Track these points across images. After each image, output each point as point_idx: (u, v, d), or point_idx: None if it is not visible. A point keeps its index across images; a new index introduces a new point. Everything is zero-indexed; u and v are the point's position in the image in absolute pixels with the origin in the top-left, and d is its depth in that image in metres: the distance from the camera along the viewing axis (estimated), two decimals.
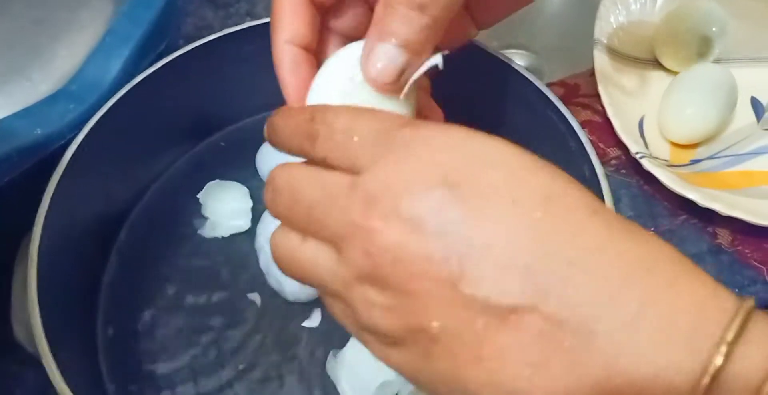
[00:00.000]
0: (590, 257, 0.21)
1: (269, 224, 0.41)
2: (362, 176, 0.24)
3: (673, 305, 0.21)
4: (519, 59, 0.40)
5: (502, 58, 0.39)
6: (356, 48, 0.28)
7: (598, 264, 0.21)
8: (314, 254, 0.25)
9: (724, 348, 0.20)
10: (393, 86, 0.27)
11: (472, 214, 0.22)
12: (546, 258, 0.21)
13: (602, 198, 0.35)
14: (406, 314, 0.23)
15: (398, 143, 0.24)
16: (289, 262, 0.26)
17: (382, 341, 0.24)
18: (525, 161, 0.23)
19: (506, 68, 0.39)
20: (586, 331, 0.21)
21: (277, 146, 0.28)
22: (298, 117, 0.27)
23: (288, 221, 0.26)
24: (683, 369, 0.20)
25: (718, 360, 0.19)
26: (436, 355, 0.23)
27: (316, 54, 0.30)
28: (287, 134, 0.27)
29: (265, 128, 0.29)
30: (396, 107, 0.27)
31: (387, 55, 0.26)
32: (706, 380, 0.20)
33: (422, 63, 0.27)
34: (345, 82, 0.27)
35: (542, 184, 0.23)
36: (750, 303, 0.21)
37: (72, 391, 0.30)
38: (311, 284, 0.26)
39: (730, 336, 0.20)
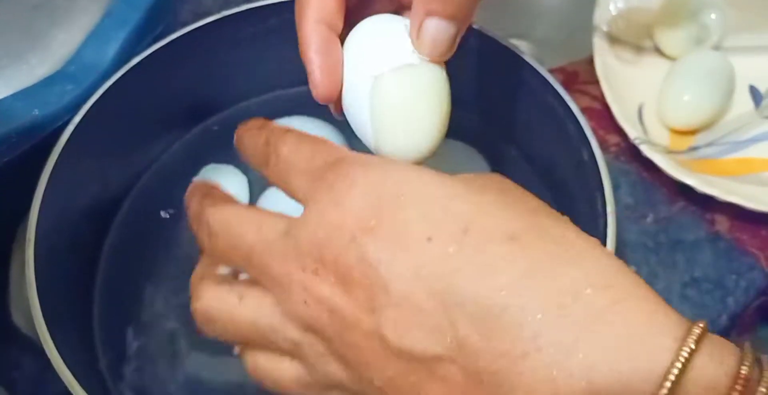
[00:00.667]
0: (505, 298, 0.21)
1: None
2: (296, 222, 0.24)
3: (604, 340, 0.20)
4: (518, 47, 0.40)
5: (502, 42, 0.39)
6: (383, 20, 0.28)
7: (515, 303, 0.21)
8: (255, 311, 0.25)
9: None
10: (447, 55, 0.27)
11: (389, 259, 0.22)
12: (461, 303, 0.21)
13: (602, 182, 0.35)
14: (352, 366, 0.23)
15: (325, 185, 0.24)
16: (227, 322, 0.26)
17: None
18: (442, 191, 0.23)
19: (506, 53, 0.39)
20: (502, 381, 0.21)
21: (245, 160, 0.29)
22: (258, 139, 0.28)
23: (225, 263, 0.27)
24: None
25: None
26: None
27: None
28: (250, 153, 0.29)
29: (235, 137, 0.30)
30: (441, 69, 0.28)
31: (438, 29, 0.27)
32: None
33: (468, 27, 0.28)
34: (388, 56, 0.27)
35: (459, 214, 0.22)
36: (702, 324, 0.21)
37: (72, 373, 0.30)
38: (249, 342, 0.27)
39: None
